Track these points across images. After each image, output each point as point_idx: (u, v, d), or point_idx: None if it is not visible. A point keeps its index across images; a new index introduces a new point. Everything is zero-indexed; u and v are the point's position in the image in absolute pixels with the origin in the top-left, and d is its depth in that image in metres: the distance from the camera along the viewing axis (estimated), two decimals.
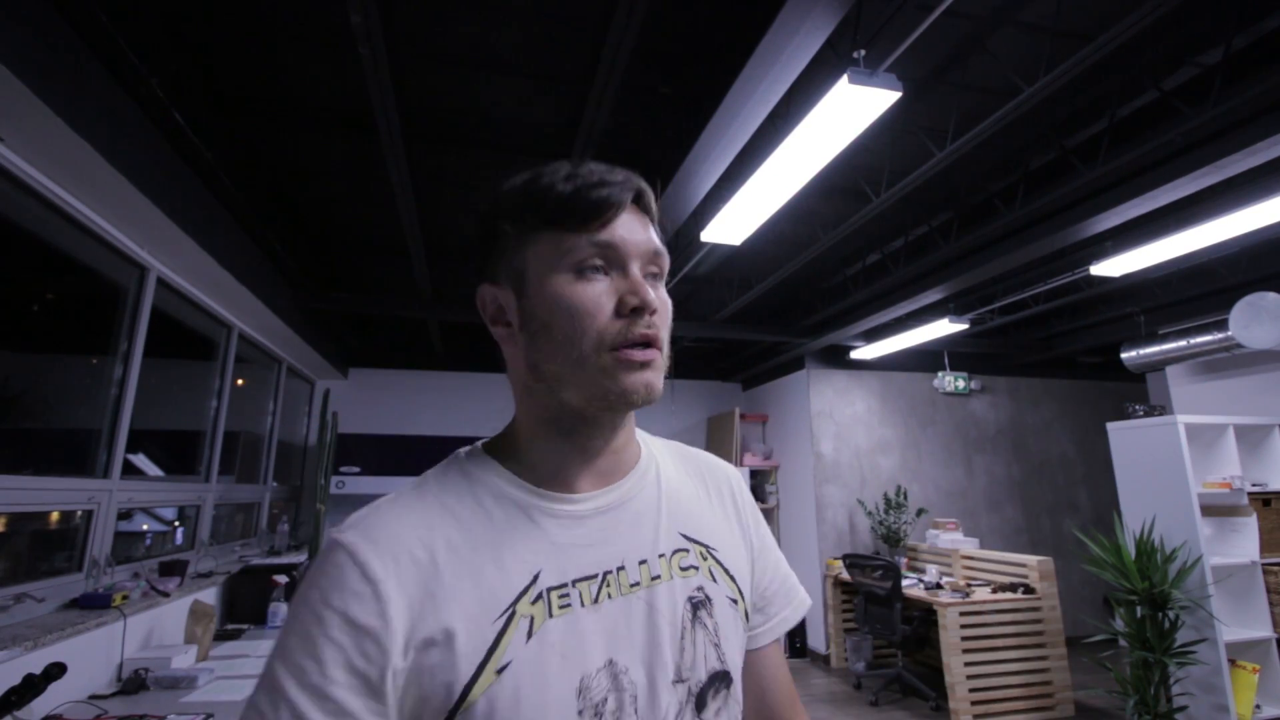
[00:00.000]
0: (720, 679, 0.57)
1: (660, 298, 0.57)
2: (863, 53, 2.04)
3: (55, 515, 2.43)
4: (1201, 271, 4.49)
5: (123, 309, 2.78)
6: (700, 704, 0.55)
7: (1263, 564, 3.44)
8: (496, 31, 2.39)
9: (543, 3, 2.25)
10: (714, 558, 0.61)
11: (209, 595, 3.15)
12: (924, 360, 6.18)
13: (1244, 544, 3.50)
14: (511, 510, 0.56)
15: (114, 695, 2.17)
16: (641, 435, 0.67)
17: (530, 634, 0.51)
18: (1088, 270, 3.93)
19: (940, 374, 6.15)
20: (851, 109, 2.13)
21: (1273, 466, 3.70)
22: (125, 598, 2.40)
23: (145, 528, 3.28)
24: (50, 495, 2.32)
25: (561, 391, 0.55)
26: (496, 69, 2.58)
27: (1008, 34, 2.41)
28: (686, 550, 0.60)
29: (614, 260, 0.55)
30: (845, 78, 2.00)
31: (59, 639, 1.97)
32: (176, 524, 3.50)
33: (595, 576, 0.55)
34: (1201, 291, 4.64)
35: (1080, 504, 6.32)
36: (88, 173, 2.15)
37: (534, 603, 0.52)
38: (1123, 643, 3.44)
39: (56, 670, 1.75)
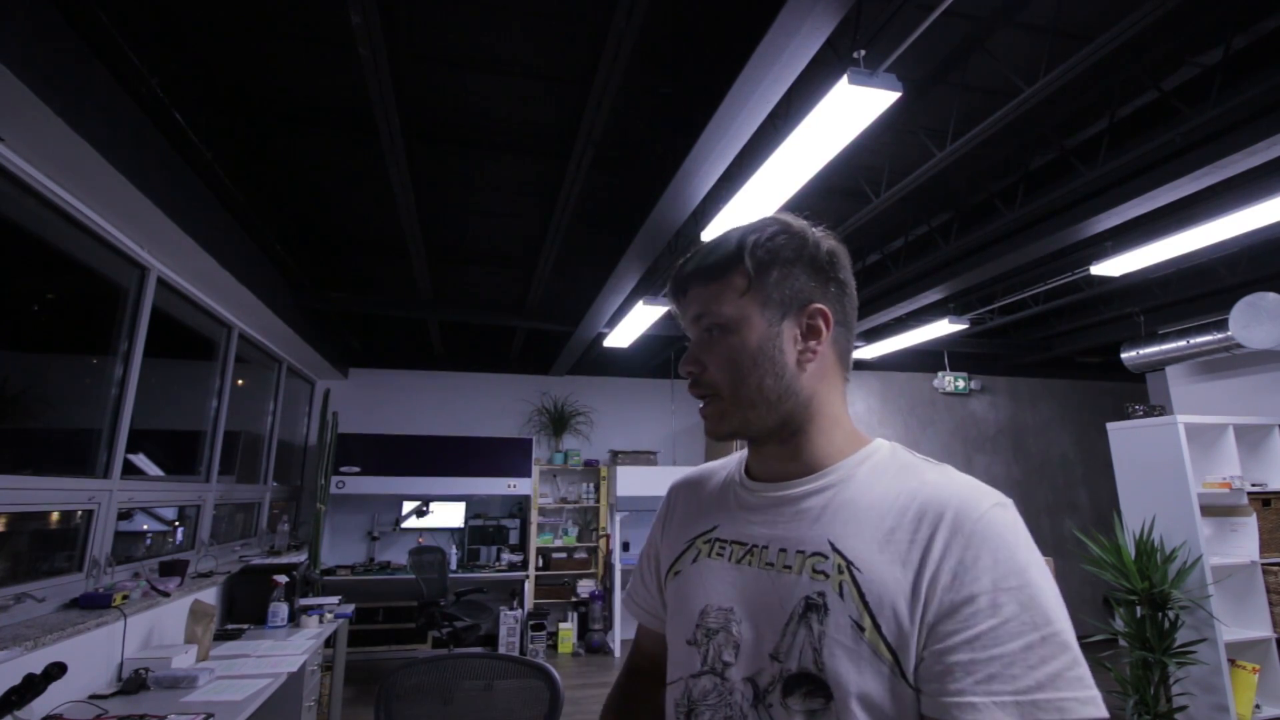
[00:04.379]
0: (809, 681, 0.60)
1: (711, 352, 0.71)
2: (863, 53, 2.04)
3: (55, 515, 2.43)
4: (1201, 271, 4.49)
5: (123, 309, 2.78)
6: (787, 690, 0.62)
7: (1262, 564, 3.44)
8: (496, 31, 2.39)
9: (543, 3, 2.25)
10: (851, 575, 0.62)
11: (209, 595, 3.16)
12: (924, 360, 6.17)
13: (1244, 544, 3.50)
14: (725, 484, 0.81)
15: (114, 695, 2.18)
16: (880, 447, 0.72)
17: (695, 560, 0.76)
18: (1088, 270, 3.94)
19: (940, 374, 6.15)
20: (851, 109, 2.13)
21: (1272, 466, 3.70)
22: (125, 598, 2.40)
23: (145, 528, 3.28)
24: (50, 495, 2.32)
25: None
26: (496, 69, 2.58)
27: (1008, 34, 2.41)
28: (826, 557, 0.64)
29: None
30: (845, 78, 2.00)
31: (59, 639, 1.97)
32: (176, 524, 3.50)
33: (745, 544, 0.71)
34: (1201, 291, 4.64)
35: (1080, 504, 6.32)
36: (88, 173, 2.15)
37: (705, 542, 0.76)
38: (1123, 643, 3.44)
39: (56, 670, 1.75)
